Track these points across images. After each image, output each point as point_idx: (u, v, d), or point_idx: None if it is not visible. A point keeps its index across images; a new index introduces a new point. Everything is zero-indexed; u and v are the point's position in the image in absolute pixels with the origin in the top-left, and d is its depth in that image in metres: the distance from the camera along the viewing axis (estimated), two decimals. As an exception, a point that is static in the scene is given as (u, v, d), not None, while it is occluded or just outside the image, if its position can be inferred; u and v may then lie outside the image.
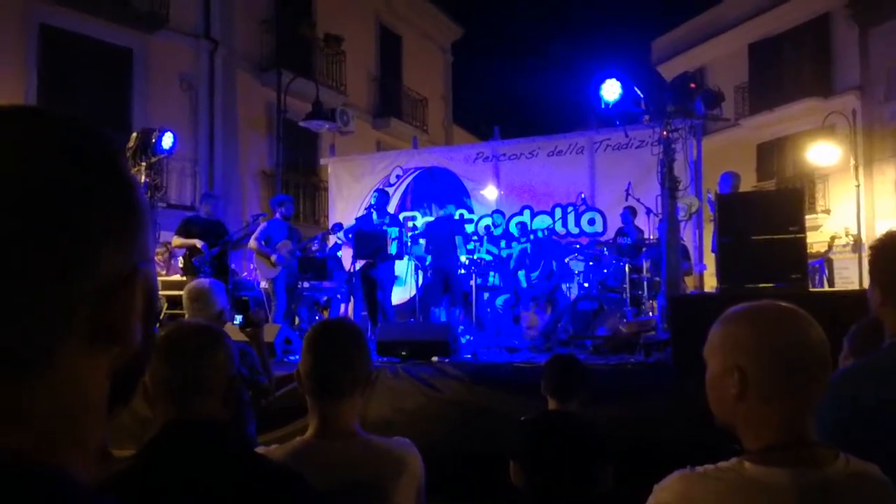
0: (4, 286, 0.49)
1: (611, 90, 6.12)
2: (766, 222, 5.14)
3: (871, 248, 1.74)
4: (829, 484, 1.15)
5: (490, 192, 10.47)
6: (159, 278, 8.10)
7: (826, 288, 10.32)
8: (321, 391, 1.68)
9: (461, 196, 10.79)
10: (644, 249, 7.80)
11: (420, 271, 8.91)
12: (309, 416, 1.71)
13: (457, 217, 9.78)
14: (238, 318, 3.58)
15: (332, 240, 9.34)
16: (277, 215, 7.94)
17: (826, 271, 11.31)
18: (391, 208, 10.43)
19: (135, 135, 7.76)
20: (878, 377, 1.60)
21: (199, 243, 7.41)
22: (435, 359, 5.74)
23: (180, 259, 8.36)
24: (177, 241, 7.75)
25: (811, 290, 5.38)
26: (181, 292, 3.64)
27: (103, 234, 0.54)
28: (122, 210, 0.56)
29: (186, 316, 3.45)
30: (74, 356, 0.53)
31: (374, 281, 8.16)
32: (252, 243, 7.77)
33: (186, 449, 1.36)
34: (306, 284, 8.21)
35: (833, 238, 15.30)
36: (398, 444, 1.74)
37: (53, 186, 0.52)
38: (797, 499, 1.12)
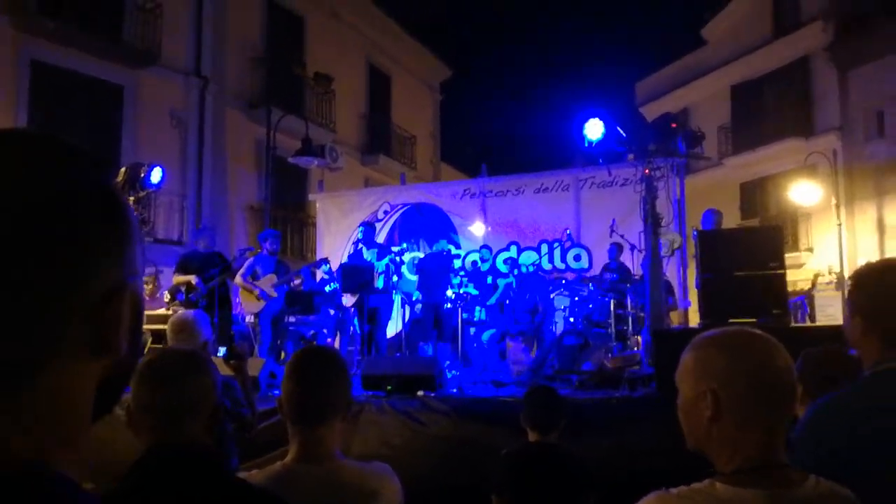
0: (6, 300, 0.52)
1: (594, 129, 6.24)
2: (747, 258, 5.23)
3: (850, 278, 1.76)
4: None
5: (477, 228, 10.55)
6: (145, 312, 8.07)
7: (808, 324, 10.41)
8: (301, 416, 1.71)
9: (448, 232, 10.87)
10: (629, 285, 7.87)
11: (407, 306, 8.93)
12: (290, 442, 1.73)
13: (445, 252, 9.85)
14: (222, 351, 3.58)
15: (318, 274, 9.35)
16: (264, 250, 7.96)
17: (808, 308, 11.41)
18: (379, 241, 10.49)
19: (123, 169, 7.79)
20: (861, 409, 1.60)
21: (193, 279, 7.47)
22: (420, 393, 5.73)
23: (166, 294, 8.36)
24: (176, 278, 7.79)
25: (792, 325, 5.45)
26: (165, 326, 3.64)
27: (97, 250, 0.57)
28: (113, 226, 0.59)
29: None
30: (68, 365, 0.55)
31: (365, 312, 8.13)
32: (238, 279, 7.78)
33: (171, 471, 1.38)
34: (292, 319, 8.20)
35: (816, 276, 15.47)
36: (377, 468, 1.76)
37: (51, 203, 0.55)
38: None
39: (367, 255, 8.65)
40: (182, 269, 7.69)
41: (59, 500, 0.52)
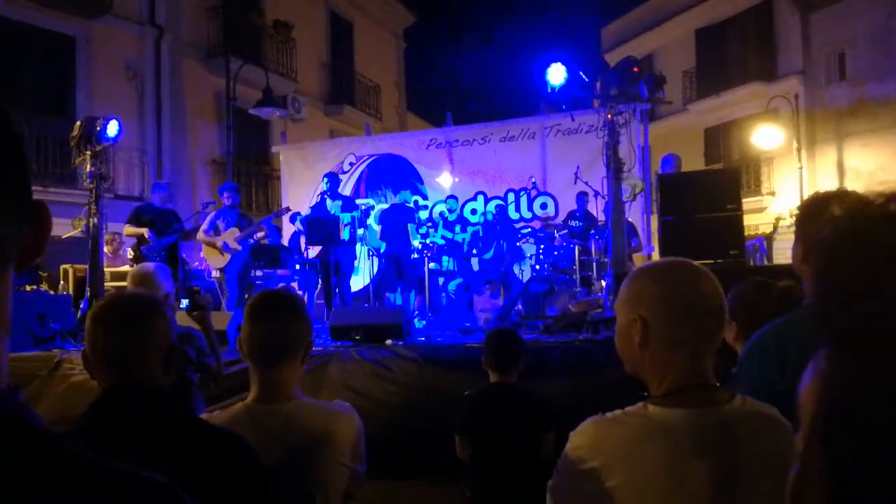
0: None
1: (556, 74, 6.21)
2: (706, 201, 5.33)
3: (798, 207, 1.82)
4: (727, 421, 1.24)
5: (444, 179, 10.54)
6: (107, 269, 7.98)
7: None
8: (261, 356, 1.74)
9: (415, 182, 10.84)
10: (592, 231, 7.97)
11: (374, 258, 8.95)
12: (250, 382, 1.76)
13: (411, 204, 9.83)
14: (184, 303, 3.57)
15: (286, 225, 9.30)
16: (224, 204, 7.89)
17: (766, 249, 11.67)
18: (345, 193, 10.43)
19: (78, 123, 7.58)
20: (799, 338, 1.64)
21: (146, 232, 7.38)
22: (389, 342, 5.78)
23: (129, 250, 8.26)
24: (128, 229, 7.70)
25: (749, 265, 5.58)
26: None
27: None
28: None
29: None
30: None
31: (331, 265, 8.15)
32: (200, 234, 7.72)
33: (127, 411, 1.40)
34: (259, 273, 8.17)
35: (777, 219, 15.77)
36: (336, 406, 1.80)
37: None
38: (696, 435, 1.22)
39: (331, 206, 8.60)
40: (135, 220, 7.61)
41: None
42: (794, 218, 1.81)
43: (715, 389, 1.29)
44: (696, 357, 1.29)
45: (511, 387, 3.09)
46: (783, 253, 14.23)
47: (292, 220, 9.06)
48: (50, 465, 0.55)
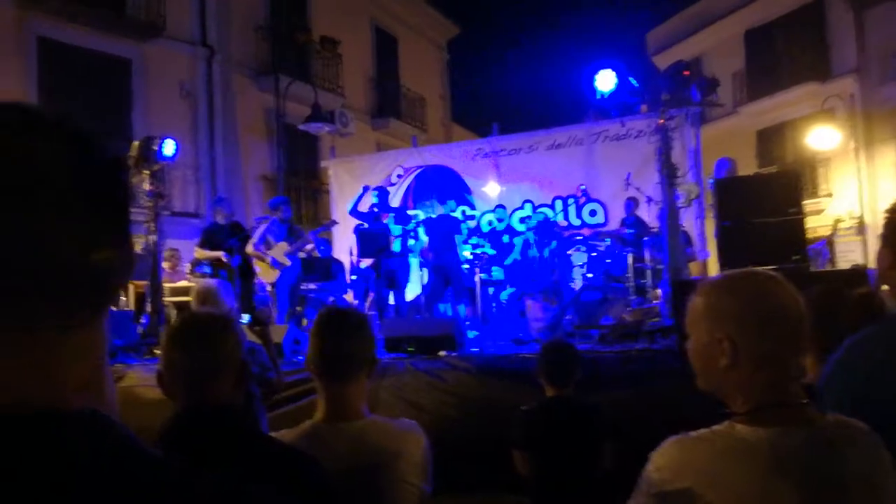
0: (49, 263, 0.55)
1: (605, 80, 6.15)
2: (765, 205, 5.19)
3: (887, 211, 1.72)
4: (818, 440, 1.19)
5: (491, 188, 10.52)
6: (166, 285, 8.18)
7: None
8: (328, 374, 1.75)
9: (463, 193, 10.84)
10: (646, 238, 7.84)
11: (425, 269, 8.97)
12: (318, 399, 1.77)
13: (458, 213, 9.84)
14: (246, 318, 3.64)
15: (337, 238, 9.41)
16: (275, 218, 7.98)
17: (829, 254, 11.33)
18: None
19: (136, 144, 7.80)
20: (890, 348, 1.56)
21: (224, 257, 7.55)
22: (442, 353, 5.78)
23: (187, 265, 8.45)
24: (200, 253, 7.87)
25: (812, 270, 5.42)
26: (188, 298, 3.70)
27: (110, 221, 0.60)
28: (115, 196, 0.62)
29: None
30: (97, 318, 0.60)
31: (383, 275, 8.18)
32: (249, 248, 7.77)
33: (202, 432, 1.42)
34: (312, 286, 8.27)
35: (836, 221, 15.33)
36: (403, 424, 1.80)
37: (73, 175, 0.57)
38: (787, 455, 1.17)
39: (379, 216, 8.68)
40: (207, 242, 7.78)
41: (80, 433, 0.54)
42: (885, 220, 1.71)
43: (805, 407, 1.24)
44: (783, 372, 1.24)
45: (567, 400, 3.05)
46: (845, 256, 13.83)
47: (327, 227, 9.18)
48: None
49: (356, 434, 1.71)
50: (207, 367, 1.49)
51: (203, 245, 7.82)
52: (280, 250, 7.80)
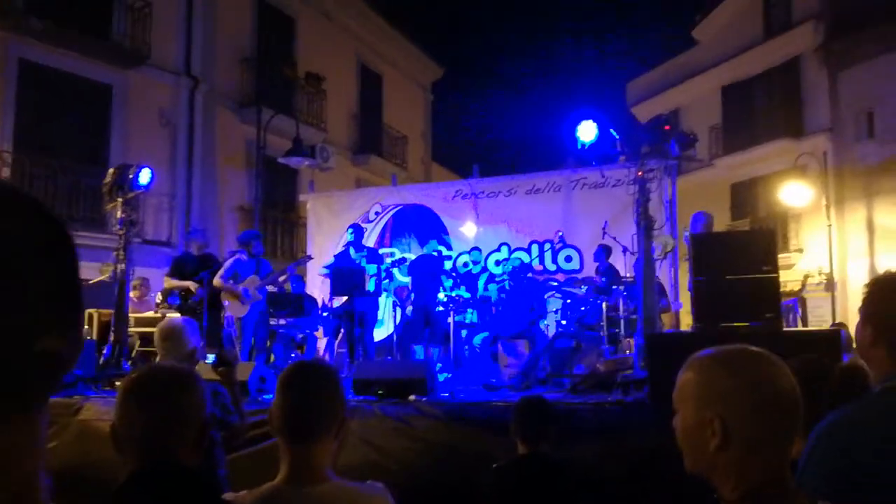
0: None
1: (587, 131, 6.21)
2: (739, 262, 5.21)
3: (867, 285, 1.70)
4: None
5: (468, 230, 10.52)
6: (133, 314, 8.00)
7: (800, 326, 10.44)
8: (293, 433, 1.66)
9: (439, 233, 10.83)
10: (621, 288, 7.85)
11: (398, 308, 8.89)
12: (280, 460, 1.68)
13: (436, 253, 9.81)
14: (211, 357, 3.53)
15: (311, 274, 9.32)
16: (243, 253, 7.81)
17: (799, 310, 11.45)
18: (369, 244, 10.44)
19: (112, 171, 7.71)
20: (873, 428, 1.55)
21: (192, 286, 7.41)
22: (412, 397, 5.68)
23: (158, 295, 8.27)
24: (169, 282, 7.73)
25: (784, 329, 5.44)
26: (154, 329, 3.59)
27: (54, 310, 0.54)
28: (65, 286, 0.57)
29: (158, 355, 3.41)
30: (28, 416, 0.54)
31: (354, 315, 8.10)
32: (217, 281, 7.57)
33: (158, 496, 1.33)
34: (282, 321, 8.14)
35: (806, 277, 15.54)
36: (370, 488, 1.71)
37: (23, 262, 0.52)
38: None
39: (355, 256, 8.60)
40: (177, 272, 7.63)
41: None
42: (864, 295, 1.69)
43: (795, 494, 1.19)
44: (777, 458, 1.19)
45: (540, 458, 2.97)
46: (814, 312, 13.98)
47: (301, 262, 9.09)
48: None
49: (320, 499, 1.61)
50: (164, 425, 1.41)
51: (173, 274, 7.68)
52: (251, 283, 7.67)
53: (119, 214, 7.47)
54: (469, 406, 5.56)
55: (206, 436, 1.47)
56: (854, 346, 1.84)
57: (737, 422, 1.18)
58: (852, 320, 1.77)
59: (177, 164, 13.85)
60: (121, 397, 1.45)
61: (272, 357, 8.09)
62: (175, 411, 1.42)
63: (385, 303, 9.65)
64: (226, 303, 7.86)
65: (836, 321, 13.03)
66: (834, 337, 4.70)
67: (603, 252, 8.59)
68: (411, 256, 10.04)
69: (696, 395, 1.23)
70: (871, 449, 1.51)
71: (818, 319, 13.66)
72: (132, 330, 7.89)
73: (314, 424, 1.65)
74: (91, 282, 9.07)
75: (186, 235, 8.64)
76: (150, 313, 8.32)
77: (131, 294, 8.37)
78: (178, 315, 6.53)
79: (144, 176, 7.45)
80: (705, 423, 1.20)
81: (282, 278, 8.25)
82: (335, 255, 9.22)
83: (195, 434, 1.44)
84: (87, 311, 8.92)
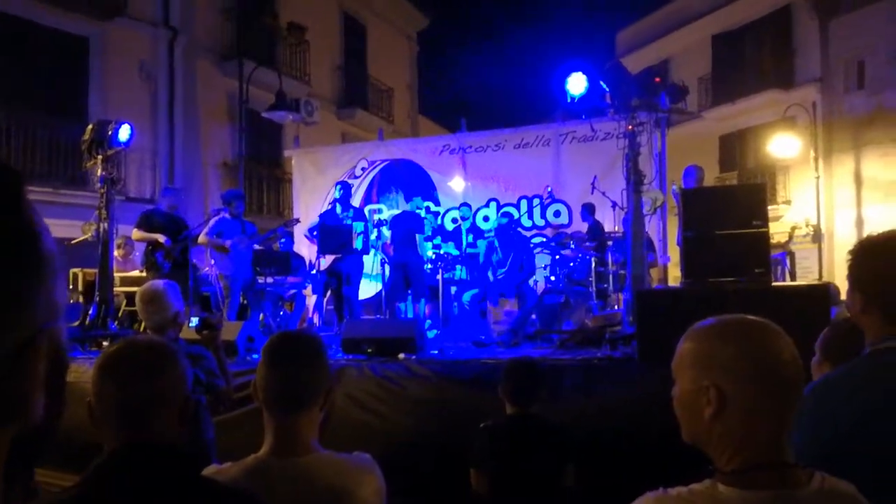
0: None
1: (576, 84, 6.09)
2: (729, 217, 5.16)
3: (850, 252, 1.67)
4: None
5: (457, 185, 10.42)
6: (117, 274, 7.90)
7: (787, 280, 10.49)
8: (276, 404, 1.61)
9: (427, 189, 10.73)
10: (610, 243, 7.82)
11: (387, 265, 8.83)
12: (265, 431, 1.64)
13: (422, 211, 9.72)
14: (194, 321, 3.47)
15: (298, 233, 9.21)
16: (226, 212, 7.66)
17: (788, 263, 11.49)
18: (356, 201, 10.33)
19: (90, 127, 7.51)
20: (854, 392, 1.55)
21: (161, 238, 7.27)
22: (401, 356, 5.67)
23: (141, 254, 8.17)
24: (137, 234, 7.58)
25: (773, 284, 5.43)
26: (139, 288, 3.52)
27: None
28: (21, 267, 0.47)
29: (141, 318, 3.34)
30: None
31: (341, 275, 8.06)
32: (202, 238, 7.47)
33: (135, 476, 1.28)
34: (269, 280, 8.08)
35: (794, 228, 15.58)
36: (357, 459, 1.68)
37: None
38: None
39: (341, 214, 8.50)
40: (145, 224, 7.47)
41: None
42: (849, 262, 1.66)
43: (793, 469, 1.15)
44: (776, 431, 1.16)
45: (529, 419, 2.96)
46: (801, 264, 14.06)
47: (290, 224, 8.98)
48: None
49: (305, 471, 1.58)
50: (144, 403, 1.35)
51: (141, 227, 7.52)
52: (241, 242, 7.56)
53: (99, 172, 7.30)
54: (458, 364, 5.56)
55: (187, 412, 1.42)
56: (842, 299, 1.83)
57: (733, 390, 1.15)
58: (839, 271, 1.74)
59: (158, 118, 13.57)
60: (96, 375, 1.38)
61: (262, 316, 8.05)
62: (154, 390, 1.36)
63: (373, 260, 9.59)
64: (212, 260, 7.78)
65: (823, 276, 13.14)
66: (822, 291, 4.70)
67: (586, 211, 8.56)
68: (396, 212, 9.94)
69: (694, 364, 1.21)
70: (849, 415, 1.50)
71: (805, 271, 13.74)
72: (117, 289, 7.80)
73: (299, 397, 1.61)
74: (74, 241, 8.94)
75: (164, 191, 8.45)
76: (136, 272, 8.23)
77: (115, 253, 8.25)
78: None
79: (124, 132, 7.26)
80: (701, 390, 1.18)
81: (272, 240, 8.15)
82: (320, 214, 9.11)
83: (176, 411, 1.39)
84: (72, 270, 8.83)
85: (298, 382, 1.62)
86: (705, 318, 1.27)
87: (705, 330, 1.24)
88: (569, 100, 6.13)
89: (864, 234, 1.73)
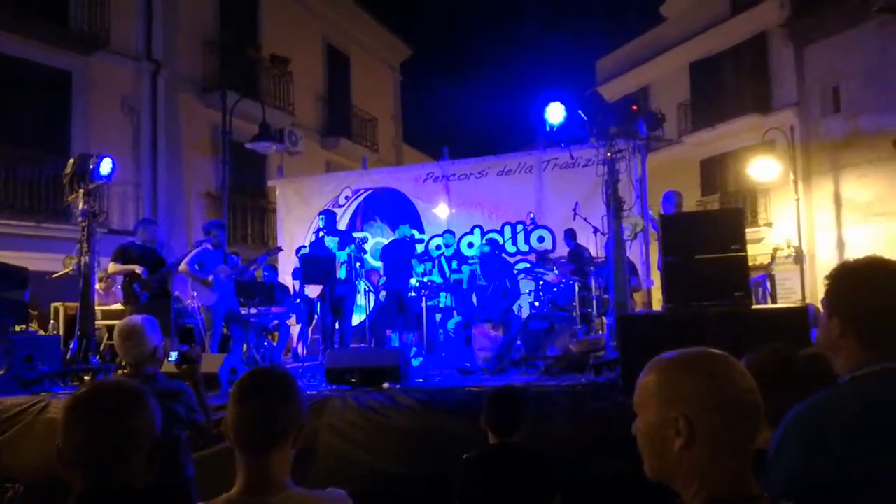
0: None
1: (555, 113, 6.16)
2: (708, 242, 5.22)
3: (827, 278, 1.67)
4: None
5: (441, 212, 10.47)
6: (99, 307, 7.84)
7: (768, 302, 10.57)
8: (248, 443, 1.60)
9: (412, 216, 10.76)
10: (592, 268, 7.86)
11: (371, 294, 8.81)
12: (237, 470, 1.63)
13: (408, 238, 9.74)
14: (173, 356, 3.45)
15: (282, 263, 9.19)
16: (208, 243, 7.56)
17: (768, 286, 11.58)
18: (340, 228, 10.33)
19: (72, 161, 7.49)
20: (844, 416, 1.52)
21: (138, 269, 7.21)
22: (386, 385, 5.64)
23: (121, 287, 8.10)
24: (114, 267, 7.52)
25: (754, 307, 5.47)
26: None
27: None
28: None
29: (120, 354, 3.32)
30: None
31: (333, 303, 7.96)
32: (183, 266, 7.38)
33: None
34: (253, 311, 8.03)
35: (775, 250, 15.73)
36: (331, 496, 1.66)
37: None
38: None
39: (329, 242, 8.48)
40: (121, 258, 7.40)
41: None
42: (826, 287, 1.66)
43: (761, 500, 1.16)
44: (741, 462, 1.17)
45: (513, 449, 2.94)
46: (783, 284, 14.18)
47: (273, 253, 8.93)
48: None
49: (277, 509, 1.56)
50: (111, 446, 1.34)
51: (117, 260, 7.45)
52: (222, 272, 7.51)
53: (81, 206, 7.27)
54: (442, 392, 5.53)
55: (156, 455, 1.41)
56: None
57: (702, 421, 1.16)
58: (821, 292, 1.75)
59: (141, 151, 13.56)
60: (65, 418, 1.38)
61: (245, 346, 7.98)
62: (122, 433, 1.36)
63: (358, 289, 9.57)
64: (195, 293, 7.72)
65: (806, 297, 13.25)
66: (802, 313, 4.74)
67: (568, 236, 8.64)
68: (383, 241, 9.95)
69: (659, 396, 1.21)
70: (842, 439, 1.50)
71: (787, 292, 13.85)
72: (99, 323, 7.73)
73: (270, 434, 1.59)
74: (55, 275, 8.87)
75: (138, 223, 8.33)
76: (118, 305, 8.16)
77: (97, 286, 8.20)
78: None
79: (105, 166, 7.25)
80: (669, 422, 1.18)
81: (253, 268, 8.10)
82: (310, 245, 9.10)
83: (144, 454, 1.38)
84: (53, 304, 8.75)
85: (270, 420, 1.61)
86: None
87: (669, 362, 1.24)
88: (548, 128, 6.21)
89: (846, 255, 1.75)
